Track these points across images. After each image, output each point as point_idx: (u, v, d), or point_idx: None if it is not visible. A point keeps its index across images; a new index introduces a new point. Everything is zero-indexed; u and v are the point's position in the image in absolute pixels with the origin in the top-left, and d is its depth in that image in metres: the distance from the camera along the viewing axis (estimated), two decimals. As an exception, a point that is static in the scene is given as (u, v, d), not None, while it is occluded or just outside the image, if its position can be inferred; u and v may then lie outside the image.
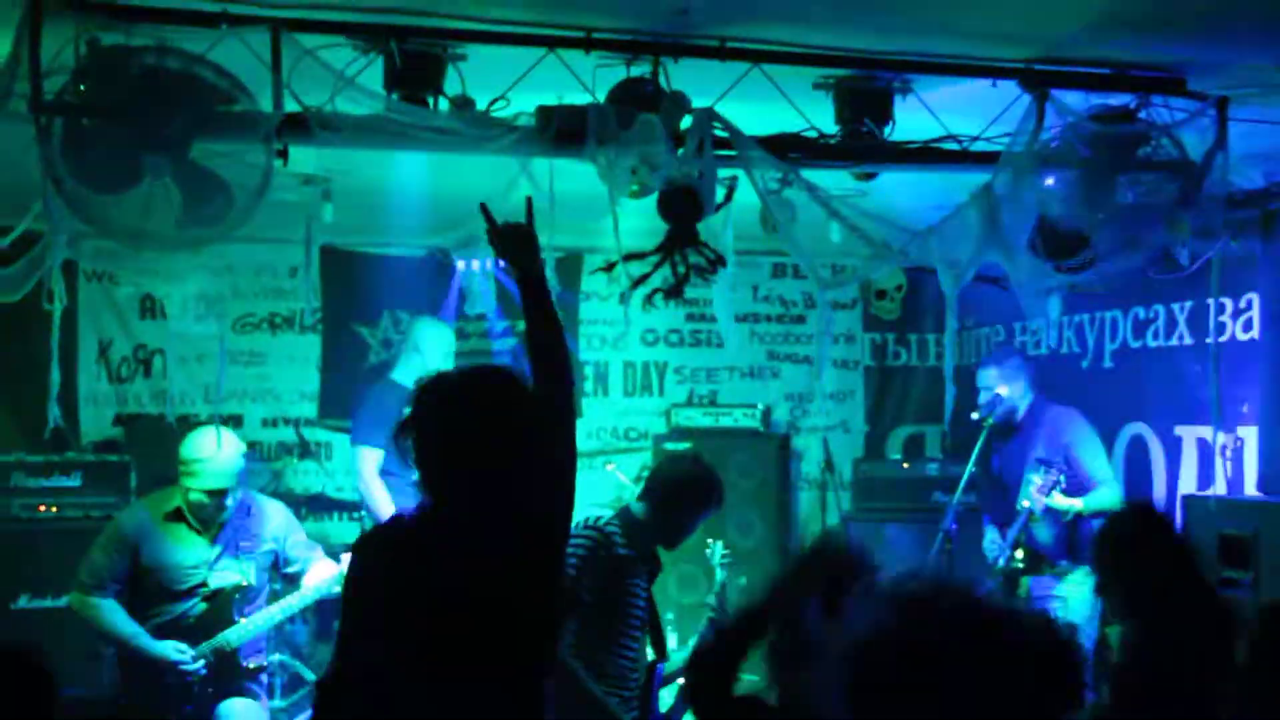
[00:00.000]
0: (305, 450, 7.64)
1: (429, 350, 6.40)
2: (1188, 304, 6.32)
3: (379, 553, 3.02)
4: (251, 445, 7.71)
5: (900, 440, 8.70)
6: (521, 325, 7.91)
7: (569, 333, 8.23)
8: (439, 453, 2.95)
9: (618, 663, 4.30)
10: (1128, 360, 6.87)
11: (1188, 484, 6.26)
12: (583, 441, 8.20)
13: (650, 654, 4.56)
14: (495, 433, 2.92)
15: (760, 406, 8.09)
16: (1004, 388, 5.92)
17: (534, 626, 2.97)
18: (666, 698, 4.75)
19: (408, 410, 2.99)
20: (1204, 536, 4.68)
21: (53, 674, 2.76)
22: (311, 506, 7.48)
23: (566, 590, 3.94)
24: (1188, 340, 6.36)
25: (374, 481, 6.16)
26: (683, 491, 4.44)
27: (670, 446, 7.87)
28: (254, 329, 7.88)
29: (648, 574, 4.47)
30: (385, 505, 6.02)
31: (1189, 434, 6.31)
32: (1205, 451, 6.02)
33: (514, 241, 3.32)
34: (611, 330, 8.49)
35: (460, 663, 2.83)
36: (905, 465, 7.87)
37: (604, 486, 7.61)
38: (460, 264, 7.41)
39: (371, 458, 6.18)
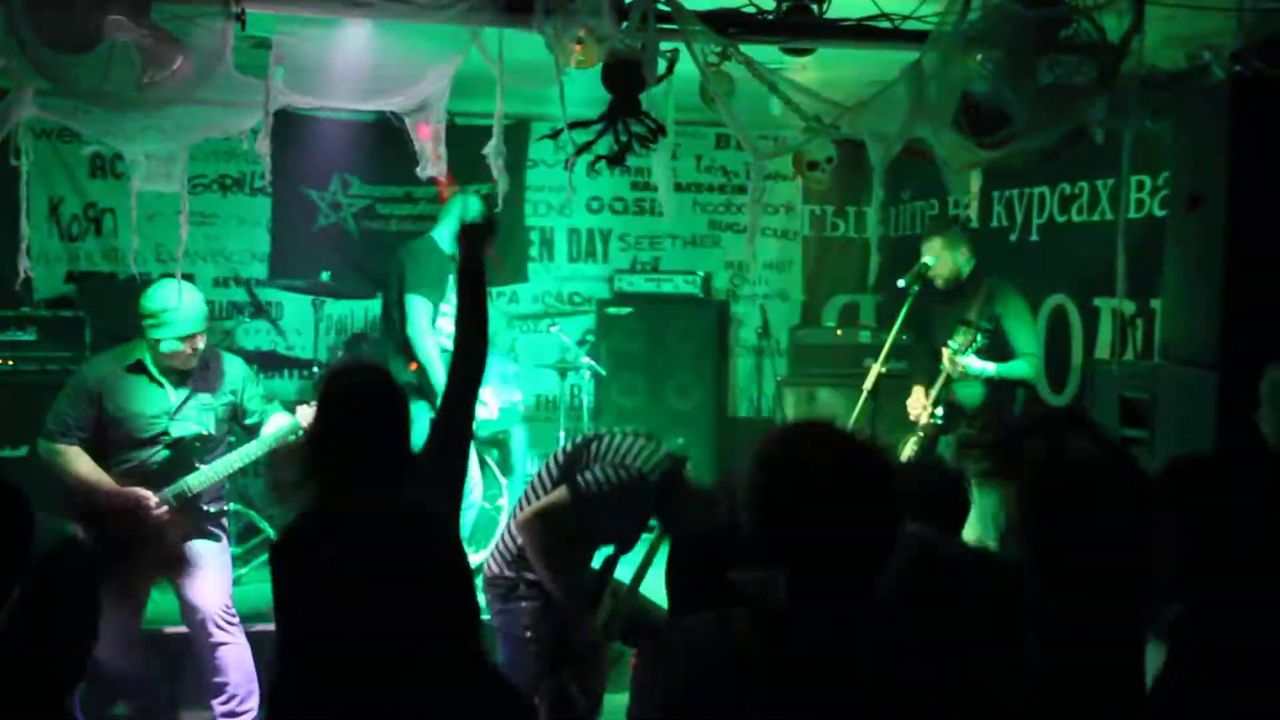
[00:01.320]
0: (257, 309, 7.81)
1: (454, 214, 6.63)
2: (1110, 181, 6.62)
3: (300, 558, 3.12)
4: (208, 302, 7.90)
5: (836, 309, 9.00)
6: (470, 189, 8.23)
7: (516, 200, 8.43)
8: (347, 450, 3.14)
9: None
10: (1053, 234, 7.17)
11: (1103, 352, 6.63)
12: (527, 305, 8.50)
13: None
14: (397, 432, 3.20)
15: (700, 274, 8.34)
16: (945, 255, 6.17)
17: (458, 616, 3.14)
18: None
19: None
20: (1108, 400, 5.01)
21: (27, 498, 2.87)
22: (263, 364, 7.67)
23: (585, 497, 4.16)
24: (1109, 216, 6.66)
25: (428, 331, 6.35)
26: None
27: (612, 311, 8.15)
28: (205, 190, 8.01)
29: None
30: (435, 354, 6.26)
31: (1106, 305, 6.65)
32: (1120, 321, 6.36)
33: (475, 237, 3.66)
34: (557, 197, 8.69)
35: (399, 660, 2.94)
36: (839, 333, 8.17)
37: (549, 348, 7.87)
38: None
39: (424, 308, 6.35)
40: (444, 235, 6.58)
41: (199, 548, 5.08)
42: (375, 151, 7.81)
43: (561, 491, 4.16)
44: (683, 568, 3.31)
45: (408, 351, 6.36)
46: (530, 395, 8.34)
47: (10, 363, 6.90)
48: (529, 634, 4.18)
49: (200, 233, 8.03)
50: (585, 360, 7.68)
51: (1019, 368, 6.02)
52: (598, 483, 4.14)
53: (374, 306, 8.37)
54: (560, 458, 4.38)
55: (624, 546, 4.39)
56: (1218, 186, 4.58)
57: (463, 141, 7.87)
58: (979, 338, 5.83)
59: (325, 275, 7.31)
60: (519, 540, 4.28)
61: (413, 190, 8.28)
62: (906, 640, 2.45)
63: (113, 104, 4.02)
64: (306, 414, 5.14)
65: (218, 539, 5.25)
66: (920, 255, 6.23)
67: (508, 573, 4.24)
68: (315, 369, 7.31)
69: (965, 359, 5.87)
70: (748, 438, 8.44)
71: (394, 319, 6.51)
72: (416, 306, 6.36)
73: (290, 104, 4.34)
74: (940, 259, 6.16)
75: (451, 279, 6.31)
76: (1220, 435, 4.36)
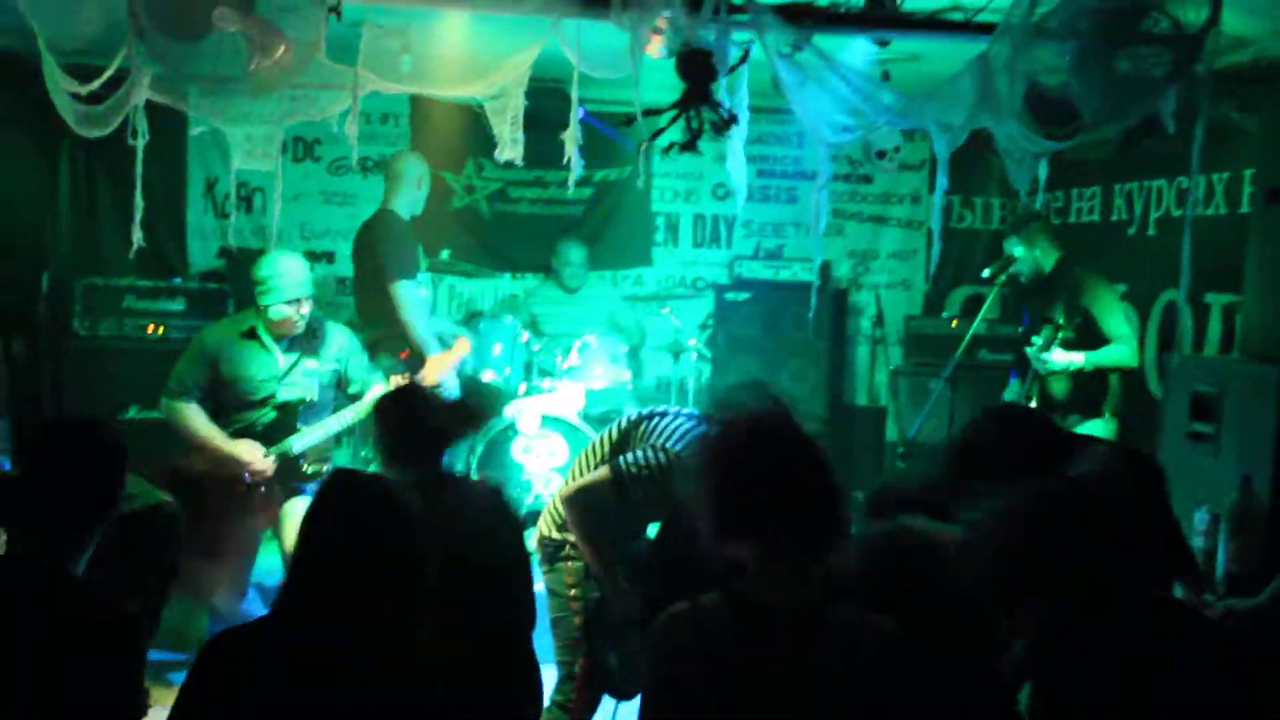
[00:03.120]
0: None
1: (411, 178, 6.90)
2: (1225, 175, 6.53)
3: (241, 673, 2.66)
4: (340, 280, 8.40)
5: (959, 300, 9.01)
6: (600, 175, 8.52)
7: (644, 185, 8.67)
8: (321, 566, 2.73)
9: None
10: (1170, 228, 7.09)
11: (1211, 348, 6.56)
12: (651, 288, 8.72)
13: None
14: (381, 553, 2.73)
15: (818, 261, 8.46)
16: (1024, 251, 6.20)
17: None
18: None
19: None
20: (1180, 394, 5.00)
21: (124, 444, 3.22)
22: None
23: (623, 479, 4.18)
24: (1222, 210, 6.58)
25: (424, 314, 6.63)
26: None
27: (730, 296, 8.33)
28: (346, 171, 8.46)
29: None
30: (430, 336, 6.51)
31: (1217, 301, 6.57)
32: (1230, 316, 6.30)
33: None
34: (684, 184, 8.92)
35: None
36: (954, 324, 8.19)
37: (663, 330, 8.10)
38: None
39: (413, 291, 6.59)
40: (402, 204, 6.83)
41: (298, 506, 5.46)
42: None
43: (604, 470, 4.24)
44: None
45: (390, 332, 6.49)
46: (651, 377, 8.59)
47: (162, 330, 7.43)
48: (572, 591, 4.36)
49: (342, 212, 8.50)
50: (691, 344, 7.87)
51: (1113, 353, 5.99)
52: (637, 464, 4.17)
53: (501, 286, 8.76)
54: (613, 434, 4.46)
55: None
56: (1297, 180, 4.56)
57: (597, 126, 8.21)
58: (1060, 334, 5.84)
59: (445, 254, 7.66)
60: (563, 511, 4.42)
61: (543, 175, 8.60)
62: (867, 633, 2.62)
63: (221, 88, 4.39)
64: (398, 383, 5.49)
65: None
66: (1005, 249, 6.27)
67: (555, 535, 4.42)
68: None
69: (1050, 355, 5.89)
70: (862, 424, 8.60)
71: (371, 296, 6.67)
72: (406, 293, 6.52)
73: (376, 90, 4.64)
74: (1023, 257, 6.19)
75: (441, 256, 6.76)
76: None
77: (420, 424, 3.89)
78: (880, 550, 3.12)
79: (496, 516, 3.93)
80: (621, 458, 4.21)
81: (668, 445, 4.21)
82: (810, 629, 2.57)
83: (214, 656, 2.68)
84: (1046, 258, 6.22)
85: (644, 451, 4.19)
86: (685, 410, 4.44)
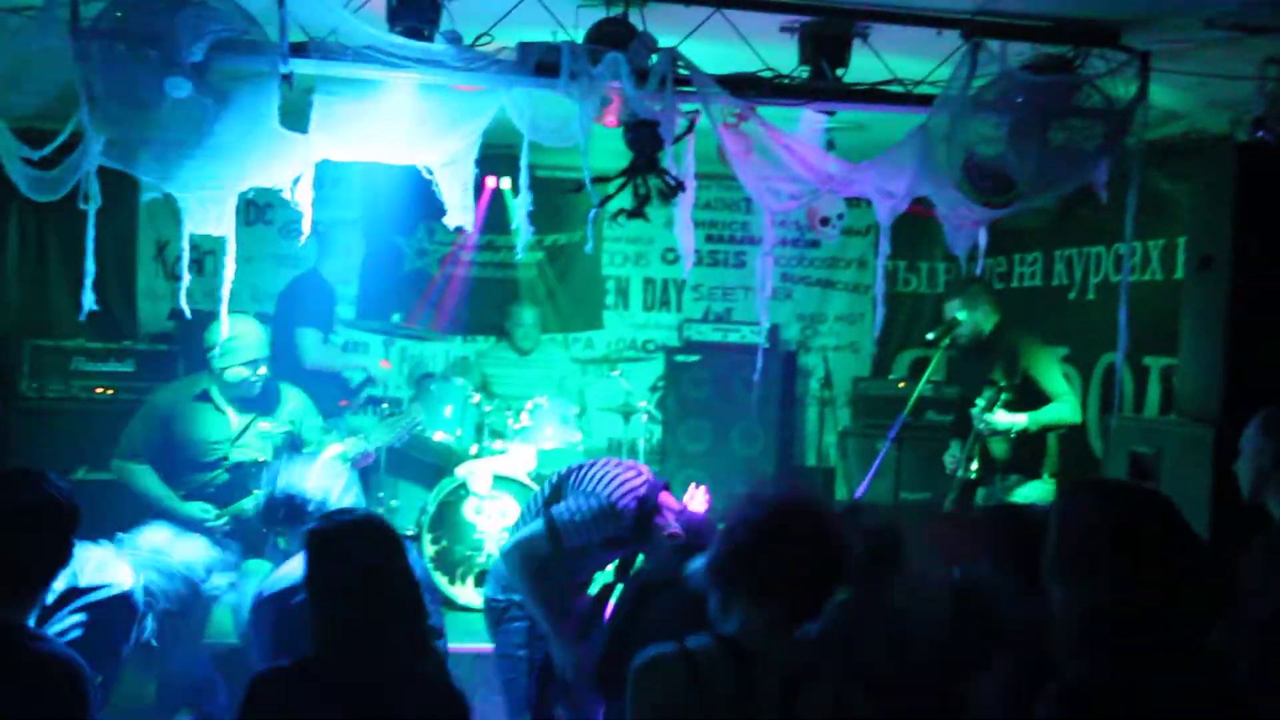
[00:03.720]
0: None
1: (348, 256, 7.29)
2: (1161, 241, 6.71)
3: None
4: (293, 342, 8.38)
5: (907, 362, 9.14)
6: (550, 239, 8.63)
7: (594, 250, 8.78)
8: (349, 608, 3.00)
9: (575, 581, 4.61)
10: (1109, 293, 7.26)
11: (1152, 409, 6.71)
12: (600, 349, 8.79)
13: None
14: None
15: (767, 325, 8.55)
16: (965, 313, 6.32)
17: None
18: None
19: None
20: (1120, 454, 5.11)
21: (72, 498, 3.23)
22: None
23: (559, 529, 4.26)
24: (1159, 275, 6.75)
25: (324, 352, 6.87)
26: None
27: (681, 359, 8.41)
28: (298, 234, 8.45)
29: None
30: (335, 358, 6.80)
31: (1156, 364, 6.73)
32: (1168, 379, 6.44)
33: None
34: (633, 248, 9.03)
35: None
36: (901, 385, 8.31)
37: (613, 392, 8.16)
38: (491, 181, 7.98)
39: (315, 337, 6.83)
40: (329, 269, 7.10)
41: (254, 567, 5.46)
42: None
43: (539, 522, 4.32)
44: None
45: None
46: (601, 438, 8.63)
47: (111, 392, 7.41)
48: (521, 652, 4.39)
49: (294, 274, 8.50)
50: (642, 405, 7.94)
51: (1056, 412, 6.09)
52: (570, 512, 4.24)
53: (452, 349, 8.80)
54: (546, 489, 4.54)
55: (621, 573, 4.57)
56: (1224, 248, 4.69)
57: (544, 192, 8.31)
58: (1003, 395, 5.95)
59: (396, 318, 7.71)
60: (505, 569, 4.46)
61: (494, 239, 8.68)
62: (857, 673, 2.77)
63: (174, 154, 4.44)
64: (353, 444, 5.52)
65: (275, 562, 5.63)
66: (945, 313, 6.39)
67: (499, 596, 4.47)
68: (386, 405, 7.69)
69: (993, 416, 5.99)
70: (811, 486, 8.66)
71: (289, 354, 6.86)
72: (307, 339, 6.81)
73: (328, 157, 4.71)
74: (961, 318, 6.31)
75: (336, 310, 6.95)
76: (1216, 492, 4.46)
77: None
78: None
79: None
80: (554, 508, 4.28)
81: (598, 490, 4.27)
82: (801, 679, 2.71)
83: (265, 692, 2.95)
84: (987, 320, 6.34)
85: (575, 498, 4.27)
86: (618, 459, 4.51)
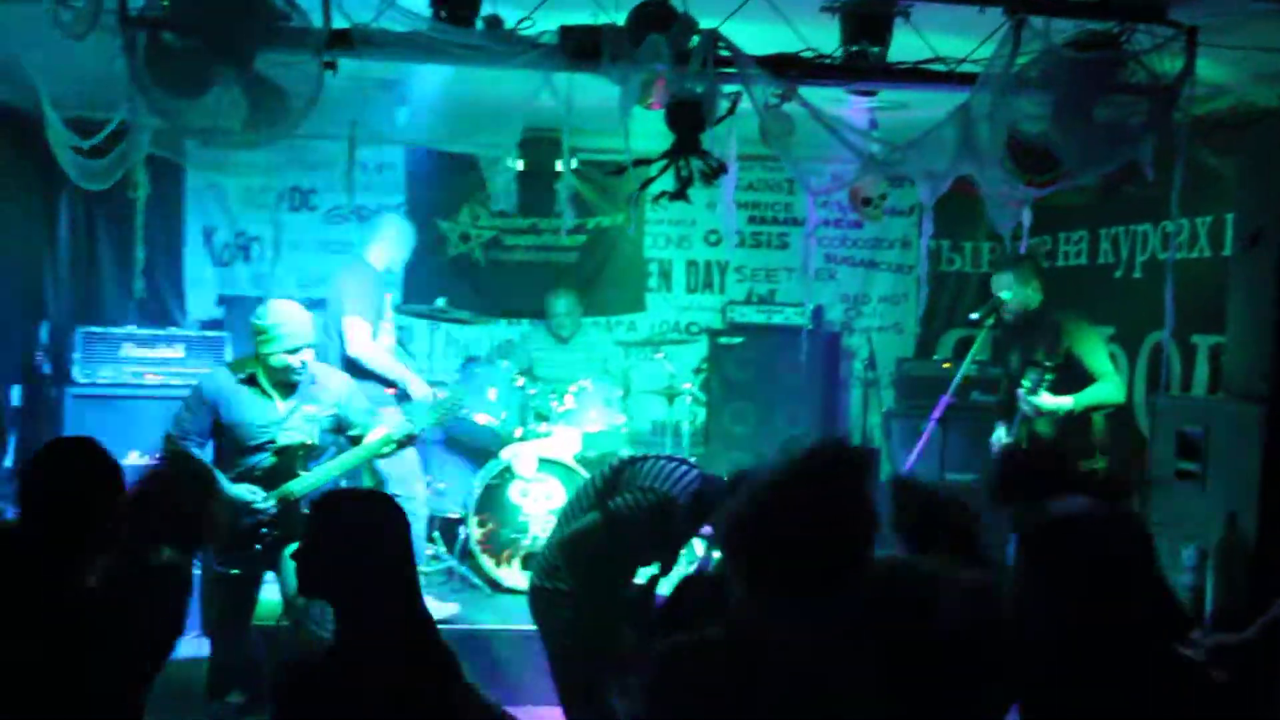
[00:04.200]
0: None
1: (397, 243, 7.08)
2: (1209, 219, 6.64)
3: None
4: (338, 327, 8.47)
5: (951, 343, 9.10)
6: (593, 222, 8.68)
7: (636, 232, 8.80)
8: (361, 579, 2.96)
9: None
10: (1156, 271, 7.19)
11: (1200, 388, 6.64)
12: (644, 331, 8.82)
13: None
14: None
15: (810, 306, 8.56)
16: (1016, 289, 6.29)
17: None
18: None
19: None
20: (1167, 433, 5.09)
21: (116, 461, 3.32)
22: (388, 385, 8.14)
23: (616, 522, 4.31)
24: (1207, 253, 6.68)
25: (371, 348, 6.76)
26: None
27: (724, 341, 8.42)
28: (343, 220, 8.56)
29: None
30: (387, 361, 6.69)
31: (1204, 342, 6.66)
32: (1216, 357, 6.38)
33: None
34: (677, 230, 9.03)
35: None
36: (946, 365, 8.27)
37: (657, 375, 8.17)
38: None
39: (362, 328, 6.75)
40: (376, 256, 6.98)
41: (300, 547, 5.52)
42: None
43: (595, 516, 4.36)
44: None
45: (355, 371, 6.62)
46: (645, 421, 8.65)
47: (160, 378, 7.51)
48: (569, 640, 4.43)
49: (338, 260, 8.51)
50: (686, 388, 7.95)
51: (1100, 392, 6.07)
52: (628, 507, 4.29)
53: (497, 332, 8.84)
54: (599, 481, 4.56)
55: (665, 567, 4.60)
56: (1272, 223, 4.65)
57: (586, 175, 8.34)
58: (1047, 376, 5.92)
59: (440, 301, 7.74)
60: (559, 559, 4.50)
61: (538, 222, 8.70)
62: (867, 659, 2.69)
63: (220, 141, 4.49)
64: (399, 428, 5.59)
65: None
66: (993, 290, 6.36)
67: (546, 584, 4.51)
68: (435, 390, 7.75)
69: (1039, 398, 5.97)
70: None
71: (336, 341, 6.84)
72: (353, 328, 6.73)
73: (371, 143, 4.74)
74: (1012, 291, 6.27)
75: (387, 298, 6.75)
76: (1266, 470, 4.43)
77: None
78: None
79: None
80: (611, 502, 4.30)
81: (655, 487, 4.30)
82: (816, 665, 2.61)
83: (299, 681, 2.93)
84: (1035, 297, 6.31)
85: (633, 494, 4.29)
86: (667, 454, 4.54)
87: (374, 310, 6.87)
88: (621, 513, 4.26)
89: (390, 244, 7.09)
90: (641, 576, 4.59)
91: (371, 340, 6.83)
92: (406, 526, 3.07)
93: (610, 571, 4.36)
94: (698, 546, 4.75)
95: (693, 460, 4.60)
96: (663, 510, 4.27)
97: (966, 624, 2.92)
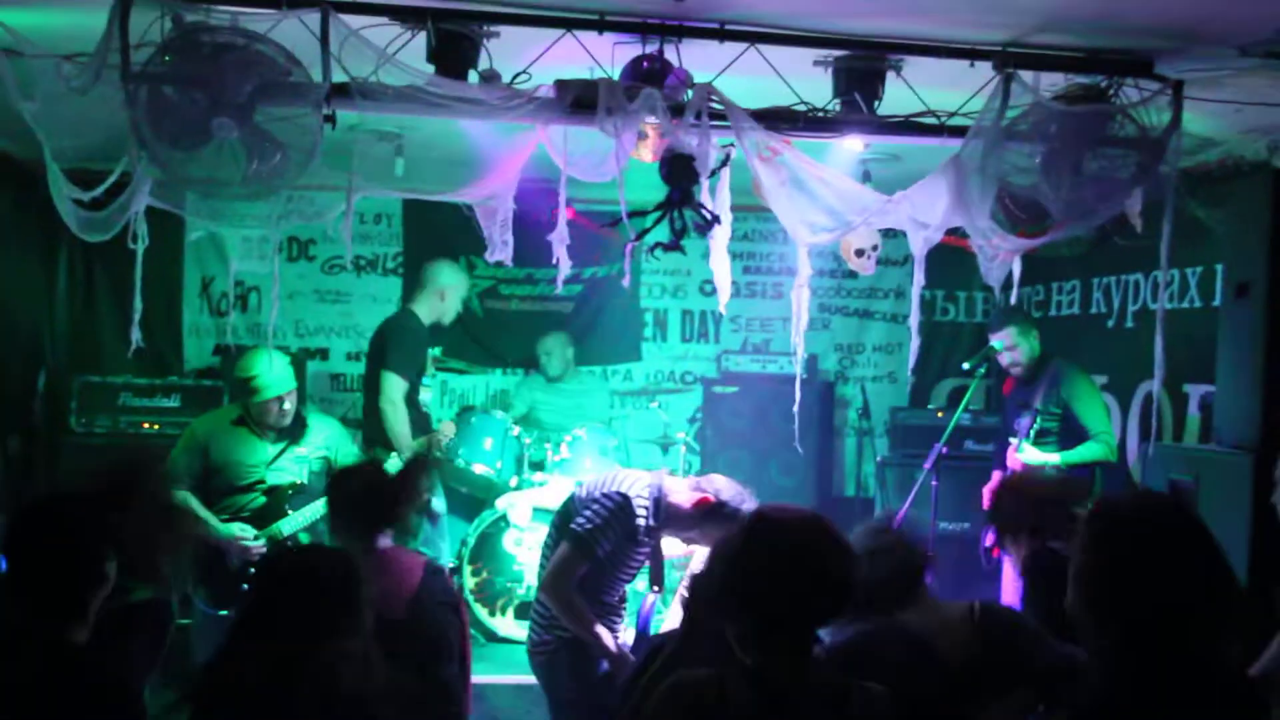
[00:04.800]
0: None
1: (451, 292, 7.02)
2: (1199, 269, 6.71)
3: None
4: (334, 377, 8.55)
5: (946, 392, 9.14)
6: (589, 272, 8.71)
7: (632, 282, 8.81)
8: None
9: (614, 595, 4.70)
10: (1147, 320, 7.24)
11: (1191, 437, 6.68)
12: (639, 380, 8.85)
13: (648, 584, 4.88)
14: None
15: (805, 355, 8.57)
16: (1015, 342, 6.35)
17: None
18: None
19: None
20: (1158, 481, 5.12)
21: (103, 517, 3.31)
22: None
23: (584, 539, 4.39)
24: (1197, 303, 6.74)
25: (400, 408, 6.68)
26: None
27: (719, 390, 8.45)
28: (340, 270, 8.62)
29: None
30: (404, 430, 6.60)
31: (1196, 391, 6.70)
32: (1206, 406, 6.42)
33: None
34: (672, 280, 9.09)
35: None
36: (940, 414, 8.31)
37: (652, 424, 8.20)
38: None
39: (399, 385, 6.69)
40: (423, 309, 6.94)
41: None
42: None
43: (564, 545, 4.42)
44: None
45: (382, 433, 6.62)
46: (640, 469, 8.65)
47: (157, 427, 7.54)
48: (572, 694, 4.47)
49: (335, 310, 8.66)
50: (680, 437, 7.98)
51: (1088, 452, 6.13)
52: (589, 520, 4.38)
53: (493, 381, 8.87)
54: (557, 519, 4.65)
55: (655, 581, 4.65)
56: (1261, 275, 4.70)
57: (586, 225, 8.37)
58: (1037, 422, 5.96)
59: (436, 351, 7.78)
60: (548, 604, 4.53)
61: (533, 272, 8.77)
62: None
63: (219, 193, 4.54)
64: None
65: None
66: (989, 340, 6.41)
67: (545, 636, 4.53)
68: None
69: (1023, 453, 6.01)
70: (849, 516, 8.65)
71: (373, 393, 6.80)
72: (390, 382, 6.67)
73: (369, 194, 4.79)
74: (1017, 345, 6.33)
75: (431, 353, 6.75)
76: (1255, 519, 4.45)
77: (365, 499, 4.03)
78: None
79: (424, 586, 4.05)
80: (572, 525, 4.38)
81: (606, 491, 4.46)
82: (822, 704, 2.74)
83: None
84: (1038, 348, 6.38)
85: (589, 509, 4.35)
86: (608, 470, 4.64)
87: (415, 367, 6.82)
88: (584, 528, 4.34)
89: (440, 295, 7.00)
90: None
91: (401, 400, 6.70)
92: (346, 576, 3.14)
93: (599, 596, 4.50)
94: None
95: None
96: (621, 509, 4.41)
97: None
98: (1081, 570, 2.68)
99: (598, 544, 4.38)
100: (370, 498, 4.05)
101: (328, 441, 5.83)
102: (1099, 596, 2.63)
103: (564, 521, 4.55)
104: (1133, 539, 2.60)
